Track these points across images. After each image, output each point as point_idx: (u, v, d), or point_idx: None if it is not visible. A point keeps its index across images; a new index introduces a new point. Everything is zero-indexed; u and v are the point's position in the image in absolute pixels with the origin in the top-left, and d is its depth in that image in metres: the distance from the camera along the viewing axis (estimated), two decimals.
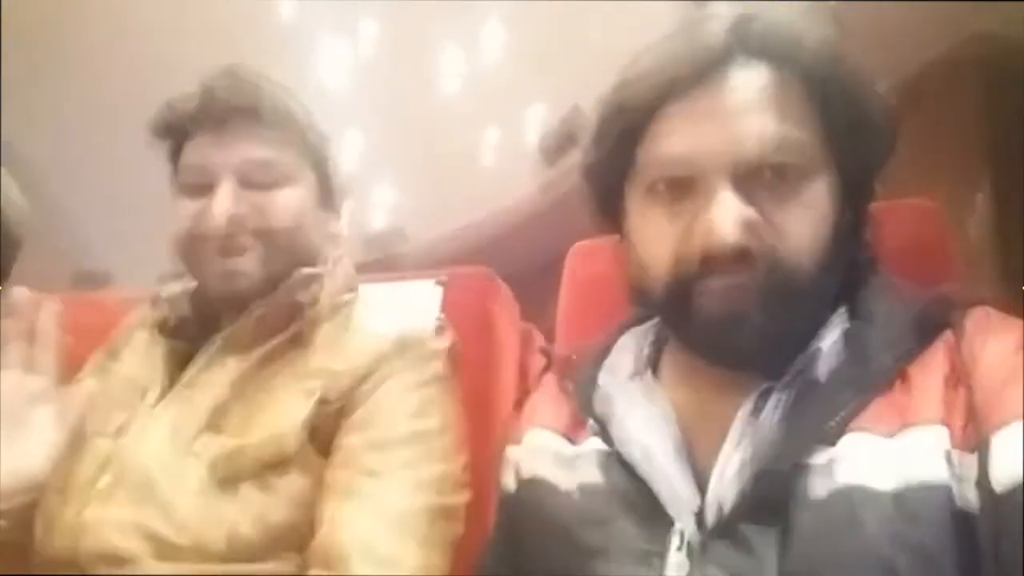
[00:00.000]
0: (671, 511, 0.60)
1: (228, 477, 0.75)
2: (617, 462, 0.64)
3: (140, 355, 0.89)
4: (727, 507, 0.58)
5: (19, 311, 0.72)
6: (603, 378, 0.71)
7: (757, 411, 0.61)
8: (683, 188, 0.63)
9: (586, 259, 1.03)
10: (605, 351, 0.75)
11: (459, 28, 3.71)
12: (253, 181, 0.83)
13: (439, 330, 0.87)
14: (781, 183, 0.61)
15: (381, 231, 4.74)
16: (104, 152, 3.78)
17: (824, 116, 0.64)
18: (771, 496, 0.56)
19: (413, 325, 0.85)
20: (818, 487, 0.56)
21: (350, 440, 0.77)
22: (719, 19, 0.64)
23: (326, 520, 0.73)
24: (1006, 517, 0.50)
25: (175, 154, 0.87)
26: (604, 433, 0.67)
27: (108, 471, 0.77)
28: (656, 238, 0.65)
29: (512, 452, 0.75)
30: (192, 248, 0.84)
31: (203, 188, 0.83)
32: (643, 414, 0.66)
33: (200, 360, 0.83)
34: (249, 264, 0.82)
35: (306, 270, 0.85)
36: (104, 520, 0.74)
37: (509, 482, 0.74)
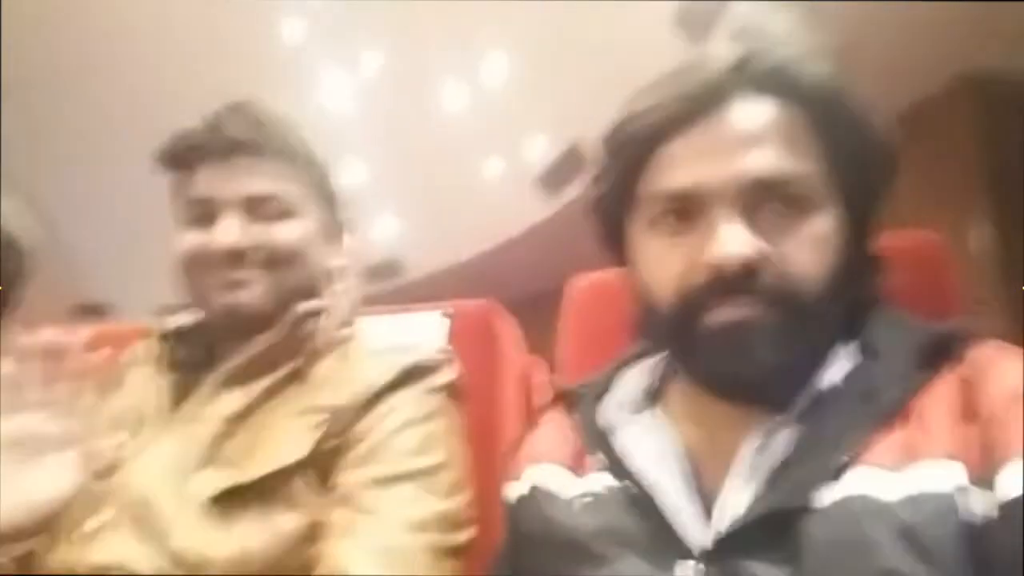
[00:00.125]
0: (679, 547, 0.59)
1: (227, 512, 0.74)
2: (623, 496, 0.64)
3: (139, 390, 0.88)
4: (736, 543, 0.57)
5: (44, 350, 0.71)
6: (609, 411, 0.71)
7: (765, 446, 0.60)
8: (688, 220, 0.63)
9: (585, 290, 1.03)
10: (610, 384, 0.74)
11: (460, 59, 3.75)
12: (257, 214, 0.84)
13: (444, 363, 0.86)
14: (786, 215, 0.62)
15: (381, 262, 4.76)
16: (105, 182, 3.80)
17: (828, 149, 0.64)
18: (779, 532, 0.56)
19: (417, 358, 0.84)
20: (826, 523, 0.55)
21: (351, 477, 0.76)
22: (721, 56, 0.65)
23: (325, 558, 0.72)
24: (1013, 527, 0.50)
25: (179, 186, 0.88)
26: (611, 467, 0.66)
27: (105, 509, 0.76)
28: (661, 270, 0.65)
29: (514, 487, 0.74)
30: (195, 279, 0.84)
31: (206, 220, 0.84)
32: (651, 448, 0.65)
33: (200, 393, 0.83)
34: (252, 296, 0.82)
35: (309, 303, 0.85)
36: (98, 557, 0.73)
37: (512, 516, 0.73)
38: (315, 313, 0.85)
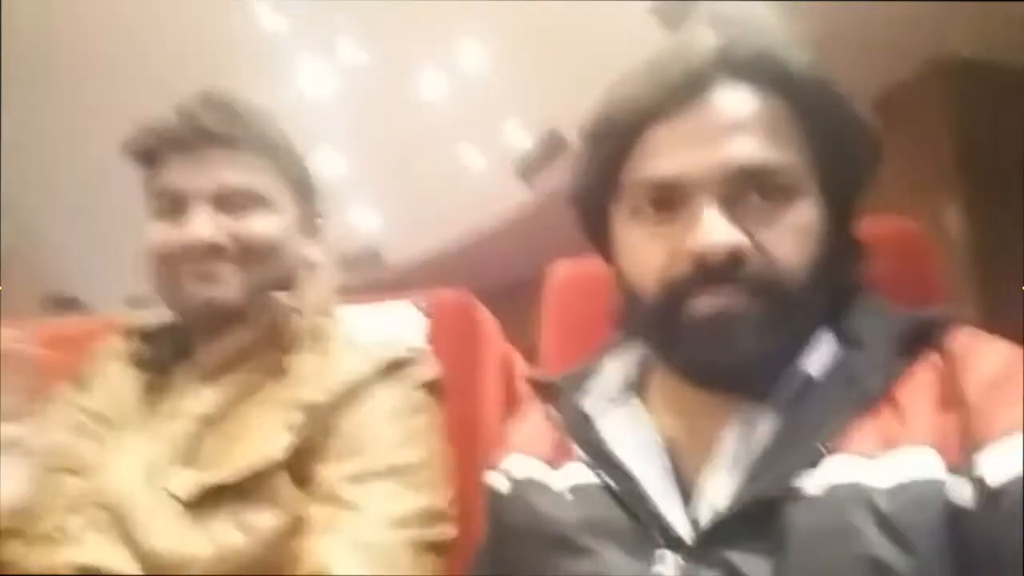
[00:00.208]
0: (661, 538, 0.59)
1: (204, 511, 0.73)
2: (605, 488, 0.63)
3: (111, 388, 0.86)
4: (718, 534, 0.57)
5: None
6: (589, 403, 0.70)
7: (746, 435, 0.61)
8: (670, 209, 0.63)
9: (566, 279, 1.02)
10: (590, 375, 0.74)
11: (438, 46, 3.72)
12: (229, 206, 0.82)
13: (424, 357, 0.85)
14: (768, 204, 0.61)
15: (359, 251, 4.73)
16: (77, 172, 3.73)
17: (810, 137, 0.64)
18: (762, 521, 0.56)
19: (394, 351, 0.83)
20: (809, 512, 0.55)
21: (331, 472, 0.75)
22: (702, 43, 0.64)
23: (306, 555, 0.71)
24: (1000, 513, 0.50)
25: (150, 178, 0.85)
26: (591, 459, 0.66)
27: (79, 511, 0.75)
28: (643, 259, 0.64)
29: (496, 480, 0.73)
30: (167, 274, 0.82)
31: (178, 212, 0.82)
32: (631, 439, 0.65)
33: (176, 391, 0.82)
34: (226, 291, 0.81)
35: (285, 297, 0.83)
36: (75, 559, 0.72)
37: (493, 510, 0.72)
38: (292, 307, 0.84)
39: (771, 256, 0.60)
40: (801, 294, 0.61)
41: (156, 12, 3.35)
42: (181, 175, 0.82)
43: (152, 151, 0.84)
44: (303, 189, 0.89)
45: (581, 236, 0.74)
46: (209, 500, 0.73)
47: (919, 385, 0.59)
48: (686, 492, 0.61)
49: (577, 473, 0.66)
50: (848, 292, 0.66)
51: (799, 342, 0.63)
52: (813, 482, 0.56)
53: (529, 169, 4.14)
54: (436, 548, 0.75)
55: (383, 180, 4.45)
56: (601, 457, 0.65)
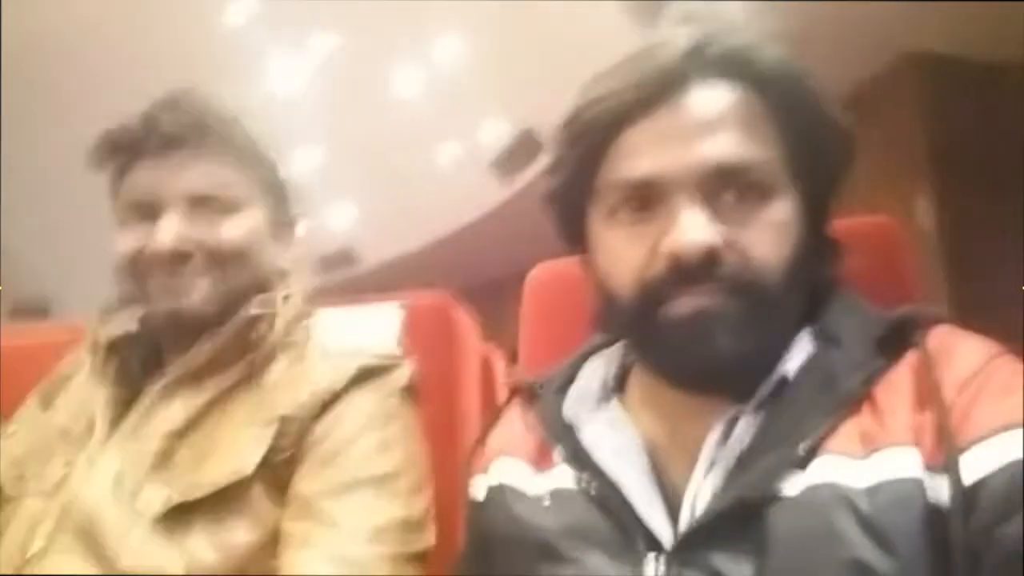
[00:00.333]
0: (644, 542, 0.58)
1: (177, 527, 0.71)
2: (587, 493, 0.63)
3: (77, 402, 0.84)
4: (701, 536, 0.57)
5: None
6: (568, 407, 0.70)
7: (726, 437, 0.60)
8: (647, 209, 0.62)
9: (546, 281, 1.01)
10: (570, 377, 0.73)
11: (414, 42, 3.70)
12: (200, 208, 0.80)
13: (401, 363, 0.84)
14: (744, 203, 0.61)
15: (334, 251, 4.69)
16: (44, 178, 3.66)
17: (785, 135, 0.63)
18: (744, 523, 0.55)
19: (371, 357, 0.82)
20: (792, 513, 0.55)
21: (308, 484, 0.74)
22: (677, 41, 0.64)
23: (284, 569, 0.70)
24: (977, 511, 0.50)
25: (116, 184, 0.83)
26: (573, 462, 0.65)
27: (41, 533, 0.73)
28: (621, 259, 0.64)
29: (477, 484, 0.73)
30: (135, 282, 0.80)
31: (148, 216, 0.80)
32: (612, 444, 0.65)
33: (144, 403, 0.79)
34: (196, 299, 0.79)
35: (257, 304, 0.82)
36: None
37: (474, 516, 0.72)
38: (265, 314, 0.82)
39: (748, 255, 0.60)
40: (778, 293, 0.61)
41: (124, 13, 3.29)
42: (147, 182, 0.80)
43: (116, 156, 0.82)
44: (275, 191, 0.87)
45: (557, 236, 0.73)
46: (181, 516, 0.71)
47: (897, 384, 0.59)
48: (668, 496, 0.60)
49: (558, 477, 0.65)
50: (824, 290, 0.66)
51: (777, 341, 0.63)
52: (794, 483, 0.55)
53: (505, 168, 4.13)
54: (416, 558, 0.74)
55: (358, 178, 4.42)
56: (582, 462, 0.64)
